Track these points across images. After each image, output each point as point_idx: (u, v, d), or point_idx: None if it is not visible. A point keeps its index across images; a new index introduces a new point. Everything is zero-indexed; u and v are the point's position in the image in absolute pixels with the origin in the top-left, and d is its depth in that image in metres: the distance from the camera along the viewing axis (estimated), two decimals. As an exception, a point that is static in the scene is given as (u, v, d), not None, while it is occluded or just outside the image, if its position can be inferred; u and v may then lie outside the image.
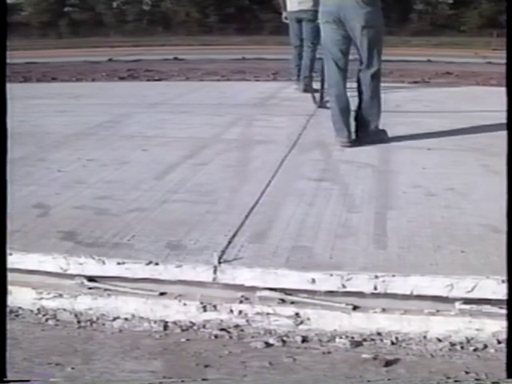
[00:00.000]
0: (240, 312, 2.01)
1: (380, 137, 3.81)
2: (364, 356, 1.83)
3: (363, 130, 3.79)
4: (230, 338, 1.94)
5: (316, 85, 5.80)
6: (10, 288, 1.94)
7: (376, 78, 3.75)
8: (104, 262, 2.09)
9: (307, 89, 5.99)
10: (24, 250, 2.15)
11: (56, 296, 2.11)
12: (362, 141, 3.73)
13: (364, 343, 1.90)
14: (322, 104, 5.14)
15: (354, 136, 3.78)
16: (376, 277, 1.94)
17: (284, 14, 6.53)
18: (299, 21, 6.23)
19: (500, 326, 1.85)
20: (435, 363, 1.79)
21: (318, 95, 5.28)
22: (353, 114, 3.85)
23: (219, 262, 2.04)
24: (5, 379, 1.53)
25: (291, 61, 6.66)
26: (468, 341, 1.89)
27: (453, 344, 1.88)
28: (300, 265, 2.03)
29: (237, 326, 1.99)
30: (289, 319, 1.98)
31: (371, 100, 3.77)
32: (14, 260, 2.07)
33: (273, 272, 2.00)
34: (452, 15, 30.22)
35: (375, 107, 3.80)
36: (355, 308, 1.97)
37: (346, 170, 3.21)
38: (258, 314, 2.00)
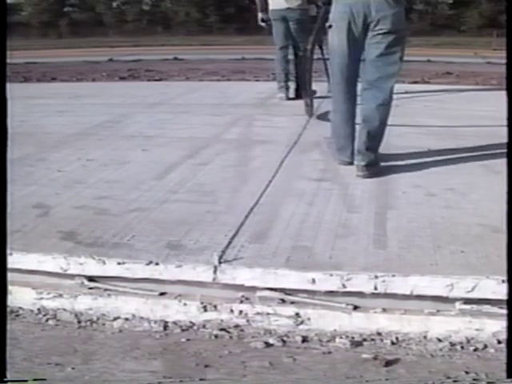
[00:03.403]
0: (240, 312, 2.01)
1: (381, 166, 3.18)
2: (364, 356, 1.83)
3: (366, 157, 3.09)
4: (230, 337, 1.94)
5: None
6: (10, 288, 1.94)
7: (389, 93, 3.05)
8: (104, 262, 2.09)
9: (304, 93, 5.32)
10: (24, 250, 2.15)
11: (56, 296, 2.11)
12: (364, 171, 3.08)
13: (364, 343, 1.90)
14: (312, 113, 4.71)
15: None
16: (376, 277, 1.94)
17: (260, 16, 5.82)
18: (285, 19, 5.59)
19: (500, 325, 1.85)
20: (435, 363, 1.80)
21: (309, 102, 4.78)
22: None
23: (219, 262, 2.04)
24: (5, 379, 1.53)
25: (276, 65, 5.93)
26: (468, 341, 1.89)
27: (453, 344, 1.88)
28: (300, 265, 2.03)
29: (237, 326, 1.99)
30: (289, 319, 1.98)
31: (380, 122, 3.09)
32: (14, 260, 2.07)
33: (273, 272, 2.00)
34: (452, 15, 30.27)
35: (382, 130, 3.13)
36: (355, 308, 1.97)
37: (346, 169, 3.21)
38: (258, 313, 2.00)
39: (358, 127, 3.19)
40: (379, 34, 2.96)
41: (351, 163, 3.15)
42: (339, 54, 3.06)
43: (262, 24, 5.86)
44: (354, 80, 3.12)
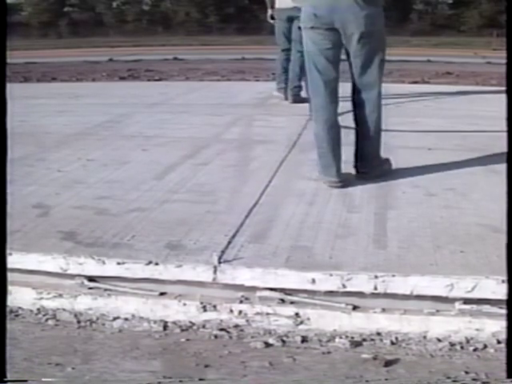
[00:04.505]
0: (240, 312, 2.01)
1: (383, 169, 3.09)
2: (364, 356, 1.83)
3: (364, 164, 3.03)
4: (230, 338, 1.94)
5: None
6: (10, 288, 1.94)
7: (377, 99, 2.94)
8: (104, 262, 2.09)
9: (297, 99, 5.43)
10: (24, 250, 2.15)
11: (56, 296, 2.11)
12: (364, 177, 3.00)
13: (364, 343, 1.90)
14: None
15: (341, 174, 2.99)
16: (376, 277, 1.94)
17: (269, 12, 5.71)
18: (290, 20, 5.41)
19: (500, 325, 1.85)
20: (435, 363, 1.80)
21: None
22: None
23: (219, 262, 2.04)
24: (5, 379, 1.53)
25: (277, 65, 5.84)
26: (468, 341, 1.89)
27: (453, 344, 1.88)
28: (300, 265, 2.03)
29: (237, 326, 1.99)
30: (289, 319, 1.98)
31: (372, 128, 2.97)
32: (14, 260, 2.07)
33: (273, 272, 2.00)
34: (452, 15, 30.34)
35: (376, 135, 3.01)
36: (355, 308, 1.97)
37: (346, 169, 3.21)
38: (257, 314, 2.00)
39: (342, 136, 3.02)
40: (355, 40, 2.80)
41: (339, 183, 2.91)
42: (314, 56, 2.88)
43: (271, 21, 5.74)
44: (333, 83, 2.91)
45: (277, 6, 5.53)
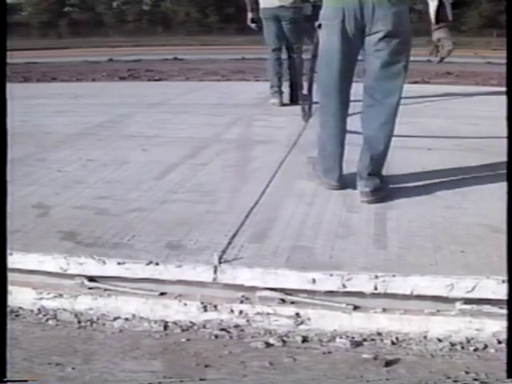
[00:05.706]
0: (240, 312, 2.01)
1: (383, 193, 2.74)
2: (364, 356, 1.83)
3: (366, 182, 2.73)
4: (230, 337, 1.94)
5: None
6: (10, 288, 1.94)
7: (394, 109, 2.64)
8: (104, 262, 2.09)
9: (300, 97, 5.16)
10: (24, 250, 2.15)
11: (56, 296, 2.11)
12: (368, 199, 2.70)
13: (364, 343, 1.90)
14: (308, 118, 4.35)
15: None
16: (376, 277, 1.94)
17: (250, 16, 5.41)
18: (277, 19, 5.21)
19: (500, 325, 1.85)
20: (435, 363, 1.79)
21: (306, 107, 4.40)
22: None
23: (219, 262, 2.04)
24: (5, 379, 1.53)
25: (268, 66, 5.56)
26: (468, 341, 1.89)
27: (453, 344, 1.88)
28: (300, 265, 2.03)
29: (237, 326, 1.99)
30: (289, 319, 1.98)
31: (382, 139, 2.67)
32: (14, 260, 2.07)
33: (273, 272, 2.00)
34: (452, 15, 30.28)
35: (385, 149, 2.72)
36: (355, 308, 1.97)
37: (346, 169, 3.21)
38: (258, 313, 2.00)
39: (345, 147, 2.87)
40: (378, 39, 2.54)
41: (339, 188, 2.85)
42: (329, 59, 2.65)
43: (252, 25, 5.48)
44: (347, 89, 2.71)
45: (262, 5, 5.27)
